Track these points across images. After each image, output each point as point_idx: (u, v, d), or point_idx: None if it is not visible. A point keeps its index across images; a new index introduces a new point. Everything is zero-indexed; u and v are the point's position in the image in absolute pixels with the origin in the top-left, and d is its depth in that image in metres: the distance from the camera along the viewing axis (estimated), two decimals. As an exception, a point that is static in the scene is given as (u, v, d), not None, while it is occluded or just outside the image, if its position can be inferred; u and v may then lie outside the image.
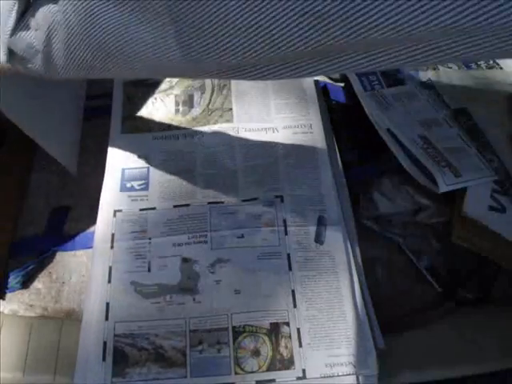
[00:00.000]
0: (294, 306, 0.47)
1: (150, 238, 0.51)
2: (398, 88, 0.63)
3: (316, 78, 0.66)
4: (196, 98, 0.63)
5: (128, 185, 0.55)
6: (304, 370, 0.44)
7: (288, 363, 0.44)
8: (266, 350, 0.45)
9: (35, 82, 0.41)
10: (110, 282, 0.48)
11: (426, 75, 0.65)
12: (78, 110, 0.63)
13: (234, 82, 0.64)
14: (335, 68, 0.31)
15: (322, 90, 0.65)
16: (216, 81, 0.64)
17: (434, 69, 0.66)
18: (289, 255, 0.50)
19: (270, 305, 0.47)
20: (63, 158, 0.55)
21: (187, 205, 0.54)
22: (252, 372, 0.44)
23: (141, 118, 0.61)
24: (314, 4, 0.26)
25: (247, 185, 0.55)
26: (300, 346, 0.45)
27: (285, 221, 0.52)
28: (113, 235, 0.51)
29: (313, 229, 0.51)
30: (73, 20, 0.34)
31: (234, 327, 0.46)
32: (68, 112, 0.61)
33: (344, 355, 0.44)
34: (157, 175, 0.56)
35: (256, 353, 0.45)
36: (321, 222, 0.52)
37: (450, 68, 0.66)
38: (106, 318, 0.46)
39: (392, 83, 0.64)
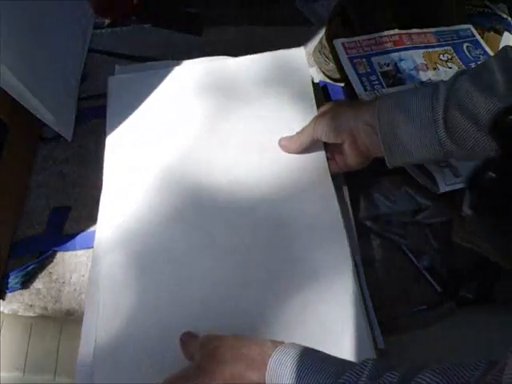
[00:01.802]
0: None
1: (149, 238, 0.51)
2: (398, 88, 0.63)
3: (316, 77, 0.67)
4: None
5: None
6: (304, 370, 0.44)
7: (288, 363, 0.44)
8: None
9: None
10: (110, 281, 0.48)
11: (426, 75, 0.65)
12: (78, 67, 0.62)
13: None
14: None
15: (322, 90, 0.65)
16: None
17: (434, 69, 0.66)
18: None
19: None
20: (57, 123, 0.54)
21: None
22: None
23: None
24: None
25: None
26: (300, 345, 0.45)
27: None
28: (113, 235, 0.51)
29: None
30: None
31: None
32: (67, 69, 0.60)
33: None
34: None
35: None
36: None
37: (450, 68, 0.66)
38: (106, 318, 0.46)
39: (392, 83, 0.64)
